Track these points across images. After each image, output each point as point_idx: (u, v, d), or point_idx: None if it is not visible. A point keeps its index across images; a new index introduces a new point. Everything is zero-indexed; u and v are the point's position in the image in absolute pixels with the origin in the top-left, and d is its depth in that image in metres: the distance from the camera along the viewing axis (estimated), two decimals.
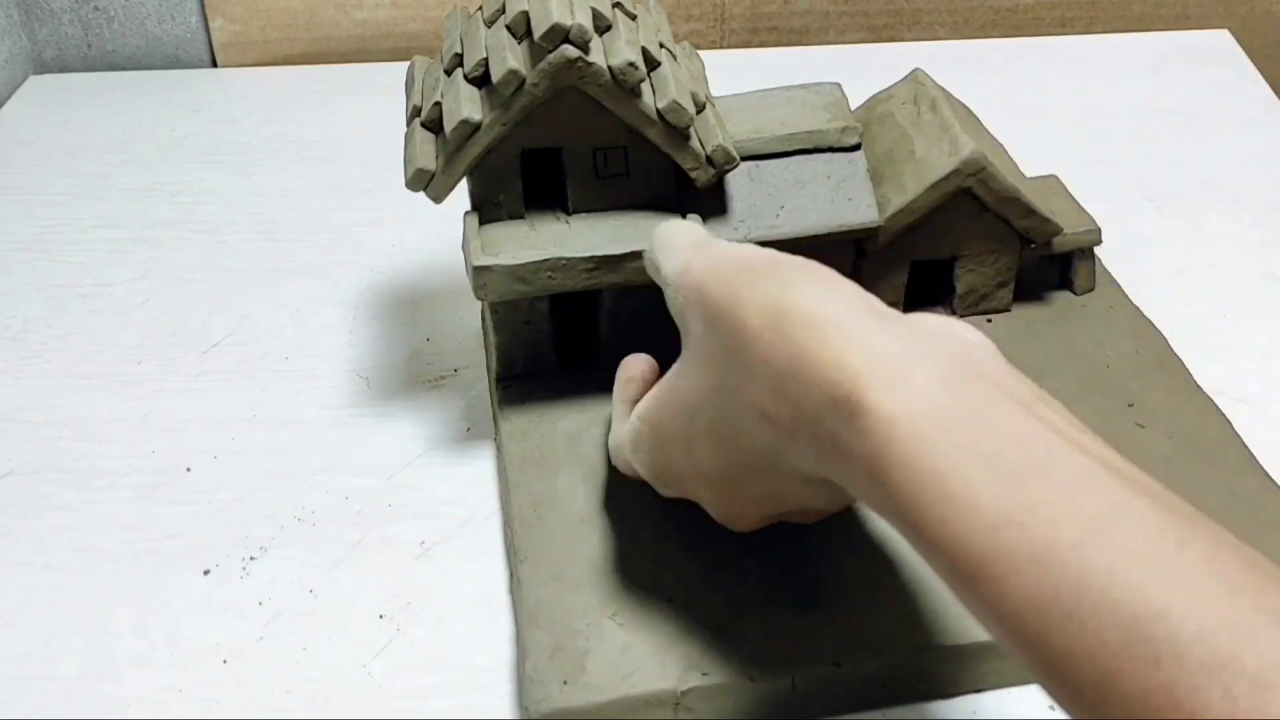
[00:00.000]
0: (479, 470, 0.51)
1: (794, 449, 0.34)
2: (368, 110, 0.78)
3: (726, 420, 0.36)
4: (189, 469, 0.51)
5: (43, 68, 0.87)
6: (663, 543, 0.44)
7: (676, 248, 0.40)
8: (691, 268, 0.38)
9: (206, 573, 0.46)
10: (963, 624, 0.40)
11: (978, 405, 0.30)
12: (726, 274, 0.36)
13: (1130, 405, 0.50)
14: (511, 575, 0.45)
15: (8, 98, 0.82)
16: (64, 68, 0.87)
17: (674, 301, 0.39)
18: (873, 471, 0.30)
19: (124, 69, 0.87)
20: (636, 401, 0.45)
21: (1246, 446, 0.48)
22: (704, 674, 0.39)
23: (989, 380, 0.31)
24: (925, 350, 0.32)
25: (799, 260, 0.36)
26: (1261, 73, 0.82)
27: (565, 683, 0.39)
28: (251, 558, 0.47)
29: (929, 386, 0.30)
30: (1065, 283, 0.56)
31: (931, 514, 0.29)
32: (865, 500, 0.32)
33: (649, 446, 0.40)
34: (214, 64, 0.87)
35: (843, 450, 0.31)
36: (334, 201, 0.70)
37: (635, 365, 0.46)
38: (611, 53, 0.45)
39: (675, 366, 0.39)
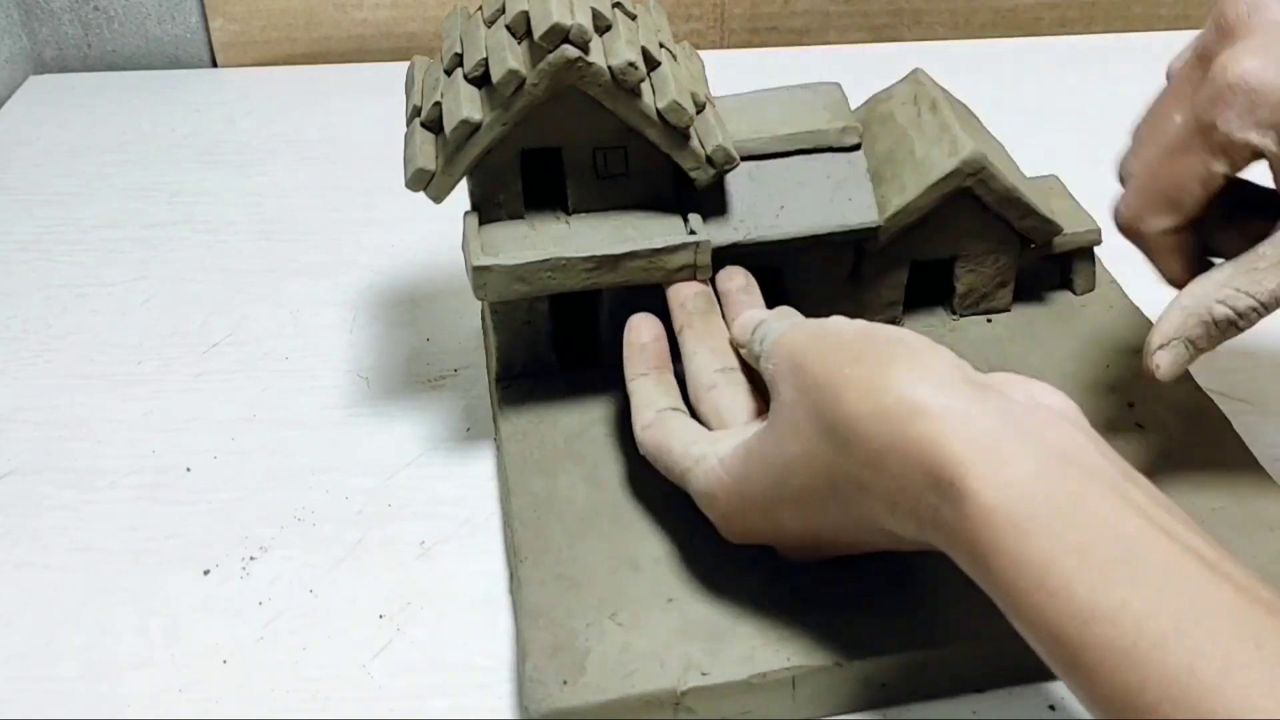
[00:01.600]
0: (479, 470, 0.51)
1: (893, 518, 0.35)
2: (368, 110, 0.78)
3: (817, 490, 0.37)
4: (189, 469, 0.51)
5: (43, 68, 0.87)
6: (663, 543, 0.44)
7: (774, 323, 0.41)
8: (786, 339, 0.39)
9: (206, 573, 0.46)
10: (963, 624, 0.40)
11: (1071, 493, 0.31)
12: (825, 349, 0.37)
13: (1130, 405, 0.50)
14: (511, 575, 0.45)
15: (8, 98, 0.82)
16: (64, 68, 0.87)
17: (765, 370, 0.40)
18: (973, 553, 0.32)
19: (124, 69, 0.87)
20: (657, 369, 0.45)
21: (1246, 446, 0.48)
22: (704, 674, 0.39)
23: (1079, 464, 0.32)
24: (1018, 432, 0.33)
25: (893, 334, 0.37)
26: None
27: (565, 683, 0.39)
28: (251, 558, 0.47)
29: (1024, 474, 0.31)
30: (1065, 283, 0.56)
31: (1029, 600, 0.30)
32: (967, 571, 0.33)
33: (725, 500, 0.40)
34: (214, 64, 0.87)
35: (945, 527, 0.33)
36: (334, 201, 0.70)
37: (645, 330, 0.46)
38: (611, 53, 0.45)
39: (762, 431, 0.39)
